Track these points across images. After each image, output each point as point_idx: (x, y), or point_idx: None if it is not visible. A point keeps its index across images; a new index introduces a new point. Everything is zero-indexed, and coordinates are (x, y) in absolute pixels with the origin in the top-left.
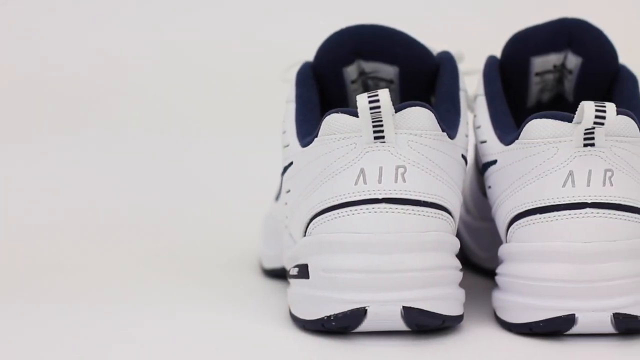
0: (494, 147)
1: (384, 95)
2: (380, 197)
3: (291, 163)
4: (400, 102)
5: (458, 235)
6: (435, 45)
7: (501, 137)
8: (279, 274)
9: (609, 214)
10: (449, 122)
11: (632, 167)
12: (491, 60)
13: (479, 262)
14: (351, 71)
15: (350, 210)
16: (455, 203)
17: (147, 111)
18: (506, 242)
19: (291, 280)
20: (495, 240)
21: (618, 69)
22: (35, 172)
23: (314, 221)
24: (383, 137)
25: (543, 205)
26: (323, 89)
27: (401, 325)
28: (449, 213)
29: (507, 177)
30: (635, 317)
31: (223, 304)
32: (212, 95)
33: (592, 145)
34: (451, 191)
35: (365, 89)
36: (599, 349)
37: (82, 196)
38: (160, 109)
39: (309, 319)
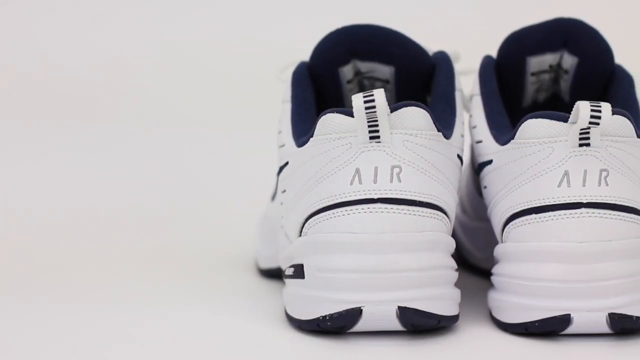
0: (489, 147)
1: (379, 95)
2: (375, 197)
3: (287, 163)
4: (396, 102)
5: (454, 235)
6: (431, 45)
7: (497, 137)
8: (275, 274)
9: (605, 214)
10: (445, 122)
11: (628, 167)
12: (487, 60)
13: (475, 262)
14: (347, 71)
15: (346, 210)
16: (450, 203)
17: (144, 111)
18: (502, 242)
19: (287, 280)
20: (491, 240)
21: (614, 69)
22: (34, 172)
23: (309, 221)
24: (378, 137)
25: (538, 205)
26: (319, 89)
27: (396, 325)
28: (445, 213)
29: (503, 177)
30: (631, 317)
31: (219, 303)
32: (208, 95)
33: (588, 145)
34: (447, 191)
35: (361, 89)
36: (594, 349)
37: (80, 195)
38: (157, 109)
39: (304, 319)
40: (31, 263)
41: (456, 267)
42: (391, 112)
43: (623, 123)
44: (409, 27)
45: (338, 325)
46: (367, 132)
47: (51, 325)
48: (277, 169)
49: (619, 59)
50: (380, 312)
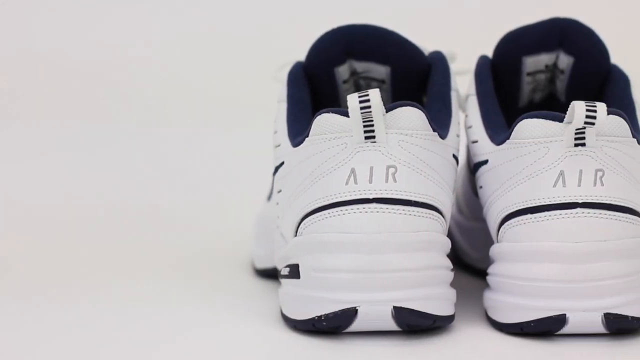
0: (485, 147)
1: (374, 95)
2: (371, 197)
3: (282, 163)
4: (392, 102)
5: (450, 235)
6: (427, 45)
7: (492, 137)
8: (271, 274)
9: (600, 213)
10: (440, 122)
11: (623, 166)
12: (483, 60)
13: (471, 262)
14: (343, 71)
15: (341, 210)
16: (446, 203)
17: (141, 111)
18: (497, 242)
19: (282, 280)
20: (487, 240)
21: (610, 68)
22: (33, 172)
23: (304, 221)
24: (374, 137)
25: (534, 205)
26: (315, 88)
27: (392, 325)
28: (440, 213)
29: (498, 177)
30: (626, 317)
31: (215, 303)
32: (204, 95)
33: (583, 145)
34: (442, 191)
35: (357, 88)
36: (589, 349)
37: (75, 195)
38: (153, 109)
39: (299, 319)
40: (29, 263)
41: (452, 267)
42: (386, 112)
43: (618, 123)
44: (404, 27)
45: (333, 325)
46: (363, 132)
47: (46, 324)
48: (272, 169)
49: (615, 58)
50: (375, 312)
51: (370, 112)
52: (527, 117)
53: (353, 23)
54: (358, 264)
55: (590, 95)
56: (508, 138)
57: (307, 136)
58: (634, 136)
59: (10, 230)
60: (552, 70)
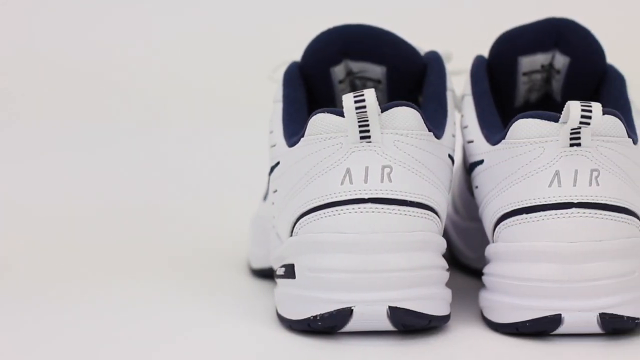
0: (480, 147)
1: (369, 95)
2: (366, 197)
3: (278, 163)
4: (388, 102)
5: (446, 235)
6: (422, 45)
7: (488, 137)
8: (267, 274)
9: (595, 213)
10: (436, 122)
11: (619, 166)
12: (479, 60)
13: (467, 262)
14: (339, 71)
15: (337, 210)
16: (441, 203)
17: (138, 111)
18: (493, 242)
19: (278, 280)
20: (483, 240)
21: (606, 68)
22: (31, 171)
23: (300, 221)
24: (369, 137)
25: (529, 205)
26: (311, 88)
27: (387, 325)
28: (436, 213)
29: (494, 177)
30: (622, 317)
31: (211, 303)
32: (201, 95)
33: (579, 145)
34: (437, 191)
35: (353, 88)
36: (585, 349)
37: (71, 194)
38: (150, 109)
39: (295, 319)
40: (29, 262)
41: (447, 267)
42: (382, 112)
43: (614, 123)
44: (400, 27)
45: (329, 325)
46: (358, 132)
47: (45, 324)
48: (268, 169)
49: (611, 58)
50: (371, 312)
51: (366, 112)
52: (522, 117)
53: (349, 23)
54: (353, 264)
55: (587, 95)
56: (503, 138)
57: (303, 136)
58: (629, 136)
59: (10, 230)
60: (548, 70)
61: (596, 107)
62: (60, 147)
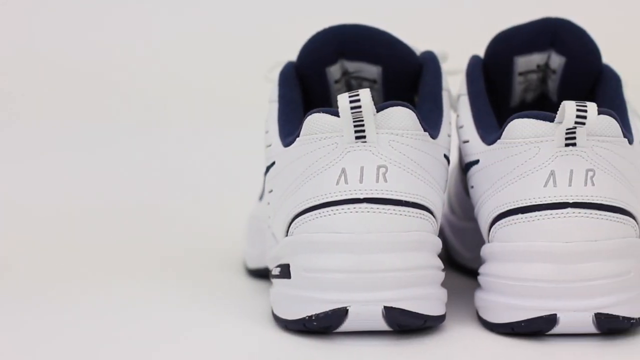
0: (476, 146)
1: (364, 95)
2: (361, 197)
3: (273, 163)
4: (384, 102)
5: (443, 235)
6: (418, 45)
7: (483, 136)
8: (263, 274)
9: (591, 213)
10: (432, 121)
11: (614, 166)
12: (474, 60)
13: (463, 262)
14: (334, 71)
15: (332, 210)
16: (437, 203)
17: (134, 111)
18: (488, 241)
19: (273, 280)
20: (480, 240)
21: (601, 68)
22: (30, 171)
23: (295, 221)
24: (364, 136)
25: (525, 205)
26: (306, 88)
27: (382, 325)
28: (431, 213)
29: (489, 177)
30: (617, 317)
31: (207, 303)
32: (197, 95)
33: (574, 145)
34: (433, 191)
35: (349, 88)
36: (580, 349)
37: (68, 194)
38: (146, 109)
39: (290, 318)
40: (29, 262)
41: (442, 267)
42: (377, 111)
43: (609, 123)
44: (396, 27)
45: (324, 325)
46: (353, 132)
47: (45, 323)
48: (264, 169)
49: (607, 58)
50: (366, 312)
51: (361, 112)
52: (517, 117)
53: (344, 23)
54: (348, 263)
55: (582, 95)
56: (499, 138)
57: (298, 136)
58: (625, 136)
59: (10, 230)
60: (544, 70)
61: (591, 107)
62: (60, 147)
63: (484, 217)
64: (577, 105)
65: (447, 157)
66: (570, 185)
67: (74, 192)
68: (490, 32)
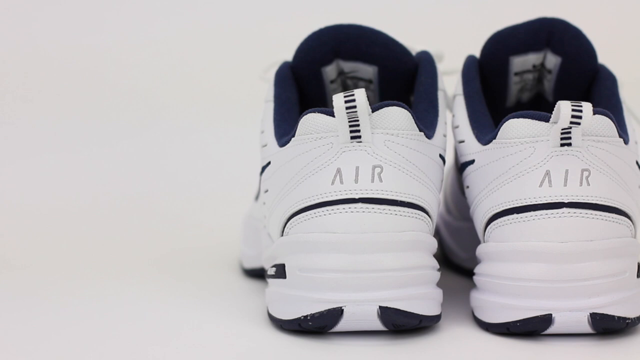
0: (471, 146)
1: (360, 95)
2: (356, 197)
3: (269, 163)
4: (379, 102)
5: (439, 235)
6: (414, 45)
7: (479, 136)
8: (259, 274)
9: (586, 213)
10: (427, 122)
11: (609, 166)
12: (470, 60)
13: (459, 262)
14: (330, 71)
15: (327, 210)
16: (432, 203)
17: (132, 111)
18: (484, 241)
19: (269, 280)
20: (475, 240)
21: (597, 68)
22: (28, 171)
23: (291, 221)
24: (359, 136)
25: (520, 205)
26: (302, 88)
27: (378, 325)
28: (426, 213)
29: (485, 177)
30: (612, 317)
31: (202, 303)
32: (193, 95)
33: (569, 144)
34: (428, 191)
35: (345, 88)
36: (576, 349)
37: (66, 193)
38: (143, 109)
39: (286, 318)
40: (28, 262)
41: (438, 266)
42: (372, 111)
43: (605, 123)
44: (392, 27)
45: (319, 325)
46: (348, 131)
47: (44, 323)
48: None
49: (602, 58)
50: (361, 312)
51: (356, 111)
52: (513, 117)
53: (340, 23)
54: (344, 263)
55: (578, 95)
56: (494, 138)
57: (294, 136)
58: (620, 136)
59: (10, 230)
60: (540, 70)
61: (586, 106)
62: (57, 146)
63: (480, 217)
64: (572, 105)
65: (442, 157)
66: (565, 185)
67: (69, 190)
68: (486, 32)
